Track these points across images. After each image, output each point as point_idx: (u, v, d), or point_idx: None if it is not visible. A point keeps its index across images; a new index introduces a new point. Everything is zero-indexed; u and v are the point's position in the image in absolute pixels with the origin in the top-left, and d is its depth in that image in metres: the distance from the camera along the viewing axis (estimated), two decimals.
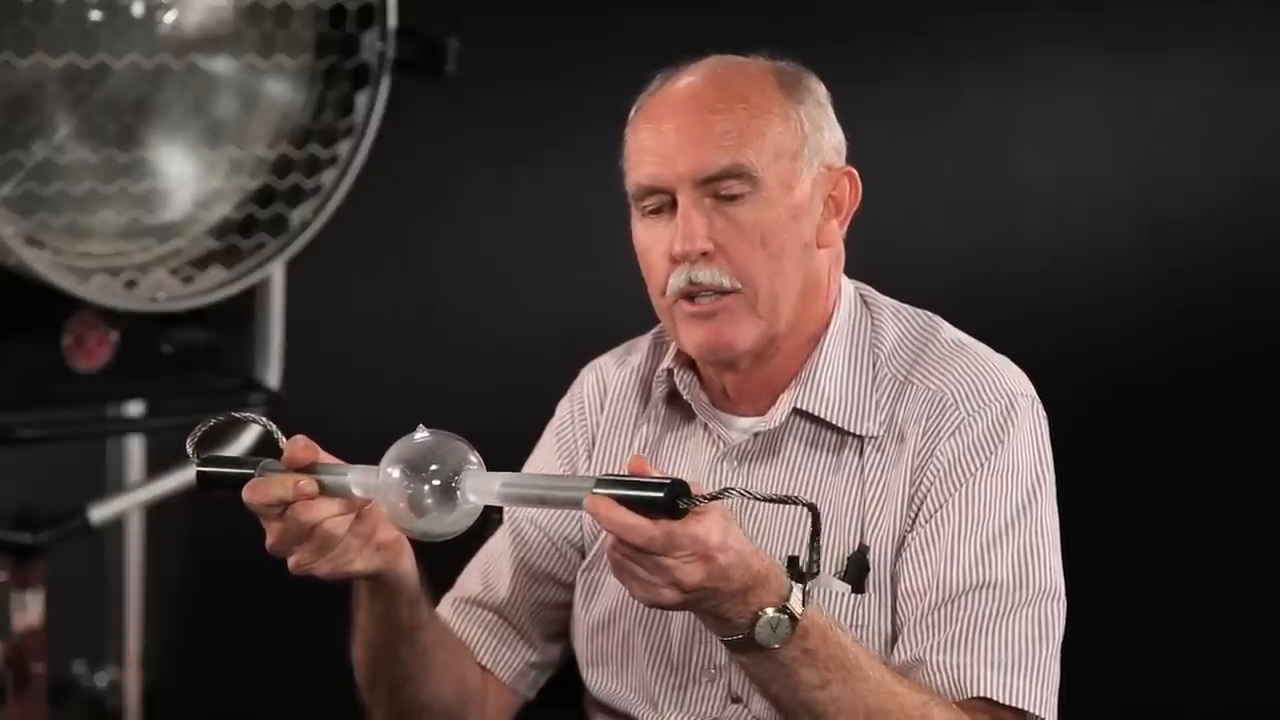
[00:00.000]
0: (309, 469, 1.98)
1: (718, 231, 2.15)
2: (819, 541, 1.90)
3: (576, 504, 1.89)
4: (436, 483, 1.91)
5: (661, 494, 1.84)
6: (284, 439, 2.00)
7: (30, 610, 3.11)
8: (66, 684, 3.54)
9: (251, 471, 1.99)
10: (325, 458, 2.00)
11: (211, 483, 2.03)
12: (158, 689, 3.66)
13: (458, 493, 1.91)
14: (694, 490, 1.86)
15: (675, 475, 2.24)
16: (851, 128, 2.24)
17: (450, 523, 1.92)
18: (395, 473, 1.92)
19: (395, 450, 1.93)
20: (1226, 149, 4.18)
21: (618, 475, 1.90)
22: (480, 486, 1.92)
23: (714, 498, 1.87)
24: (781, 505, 2.19)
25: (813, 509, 1.88)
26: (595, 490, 1.86)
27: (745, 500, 1.94)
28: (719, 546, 1.88)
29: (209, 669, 3.85)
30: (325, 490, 1.97)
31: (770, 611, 1.94)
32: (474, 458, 1.93)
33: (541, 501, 1.98)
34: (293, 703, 3.66)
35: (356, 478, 1.96)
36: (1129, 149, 4.17)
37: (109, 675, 3.59)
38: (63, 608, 3.18)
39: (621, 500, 1.85)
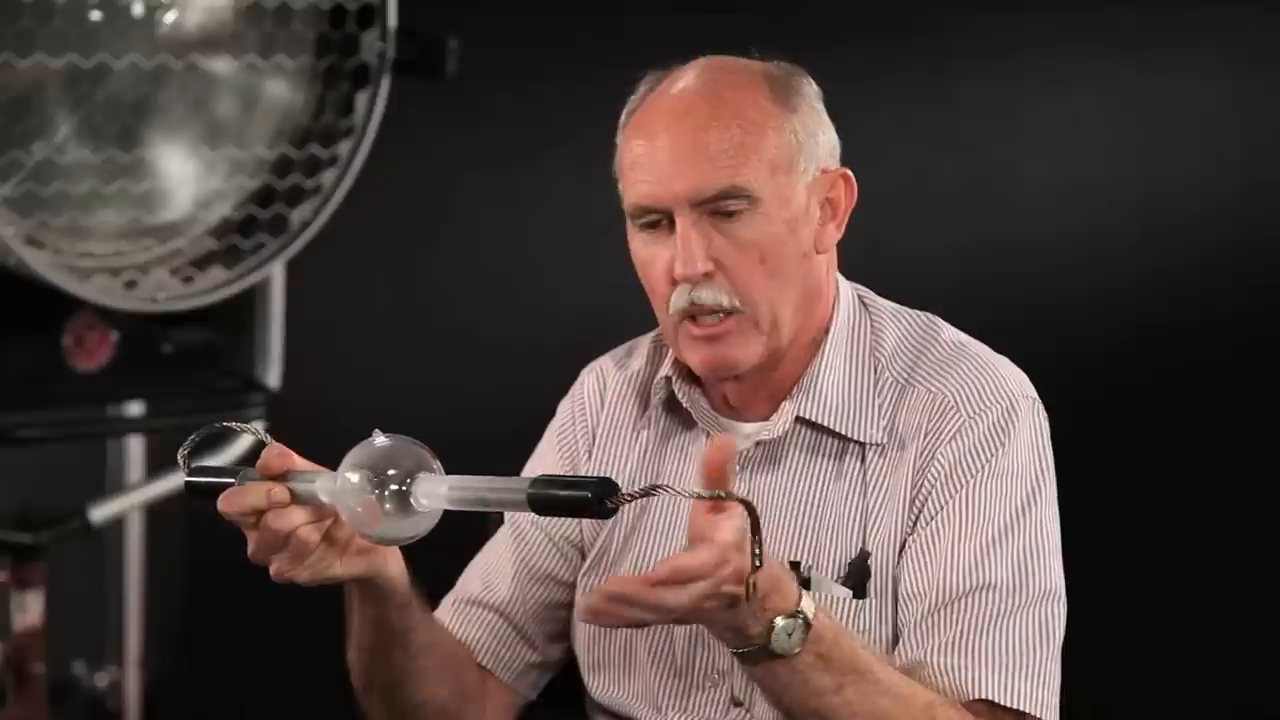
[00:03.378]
0: (283, 477, 1.98)
1: (717, 250, 2.14)
2: (760, 536, 1.87)
3: (514, 505, 1.89)
4: (393, 488, 1.91)
5: (588, 494, 1.84)
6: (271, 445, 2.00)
7: (30, 610, 3.11)
8: (66, 684, 3.54)
9: (234, 481, 1.99)
10: (301, 464, 1.99)
11: (198, 492, 2.03)
12: (158, 689, 3.66)
13: (411, 498, 1.91)
14: (624, 489, 1.85)
15: (679, 483, 2.26)
16: (851, 127, 2.24)
17: (408, 527, 1.92)
18: (353, 478, 1.92)
19: (352, 456, 1.93)
20: (1226, 149, 4.17)
21: (550, 475, 1.89)
22: (430, 490, 1.91)
23: (642, 495, 1.86)
24: (784, 509, 2.19)
25: (747, 505, 1.86)
26: (529, 491, 1.86)
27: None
28: (737, 546, 1.88)
29: (209, 669, 3.85)
30: (296, 498, 1.97)
31: (783, 619, 1.93)
32: (434, 463, 1.93)
33: (484, 504, 1.97)
34: (292, 703, 3.66)
35: (323, 484, 1.96)
36: (1130, 149, 4.17)
37: (109, 675, 3.59)
38: (63, 608, 3.18)
39: (551, 501, 1.85)
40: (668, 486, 1.88)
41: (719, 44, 2.25)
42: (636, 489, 1.87)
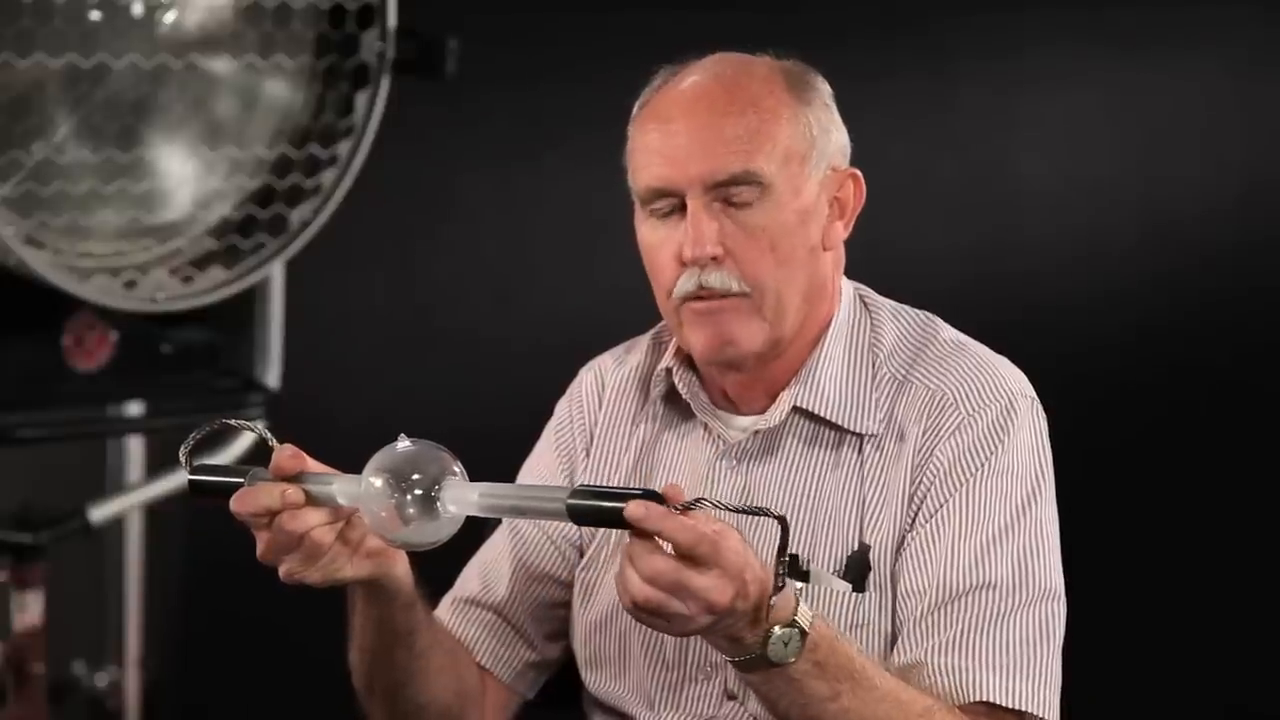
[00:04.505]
0: (296, 478, 1.98)
1: (727, 235, 2.15)
2: (786, 556, 1.89)
3: (551, 514, 1.88)
4: (418, 493, 1.90)
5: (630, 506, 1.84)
6: (277, 445, 2.00)
7: (30, 610, 3.11)
8: (66, 684, 3.54)
9: (241, 481, 1.99)
10: (313, 466, 1.99)
11: (202, 491, 2.02)
12: (158, 689, 3.66)
13: (438, 503, 1.91)
14: (624, 482, 1.85)
15: (674, 475, 2.26)
16: (851, 127, 2.24)
17: (432, 532, 1.92)
18: (377, 483, 1.91)
19: (377, 460, 1.93)
20: (1226, 149, 4.18)
21: (590, 487, 1.89)
22: (459, 497, 1.91)
23: (686, 509, 1.86)
24: (780, 499, 2.19)
25: (782, 521, 1.87)
26: (569, 501, 1.86)
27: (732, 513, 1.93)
28: (747, 564, 1.88)
29: (209, 669, 3.85)
30: (311, 499, 1.97)
31: (779, 628, 1.93)
32: (456, 467, 1.92)
33: (518, 511, 1.97)
34: (292, 703, 3.66)
35: (341, 487, 1.95)
36: (1129, 149, 4.17)
37: (109, 675, 3.59)
38: (63, 608, 3.18)
39: (593, 512, 1.84)
40: (712, 500, 1.87)
41: (719, 43, 2.25)
42: (681, 503, 1.86)
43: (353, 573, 2.03)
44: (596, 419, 2.36)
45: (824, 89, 2.22)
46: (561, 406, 2.41)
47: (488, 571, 2.37)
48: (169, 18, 2.83)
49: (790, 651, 1.94)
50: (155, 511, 3.53)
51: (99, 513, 3.17)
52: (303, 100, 2.95)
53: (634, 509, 1.84)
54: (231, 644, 3.84)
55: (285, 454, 1.98)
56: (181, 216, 2.93)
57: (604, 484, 2.23)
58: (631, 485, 1.89)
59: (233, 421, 2.12)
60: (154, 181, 2.88)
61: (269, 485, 1.97)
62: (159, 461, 3.42)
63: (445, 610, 2.36)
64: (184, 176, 2.91)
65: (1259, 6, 4.15)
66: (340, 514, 1.98)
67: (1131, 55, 4.15)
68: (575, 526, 2.33)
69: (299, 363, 3.18)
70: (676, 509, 1.85)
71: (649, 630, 2.25)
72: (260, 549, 1.99)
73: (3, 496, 3.20)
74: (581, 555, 2.34)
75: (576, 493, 1.87)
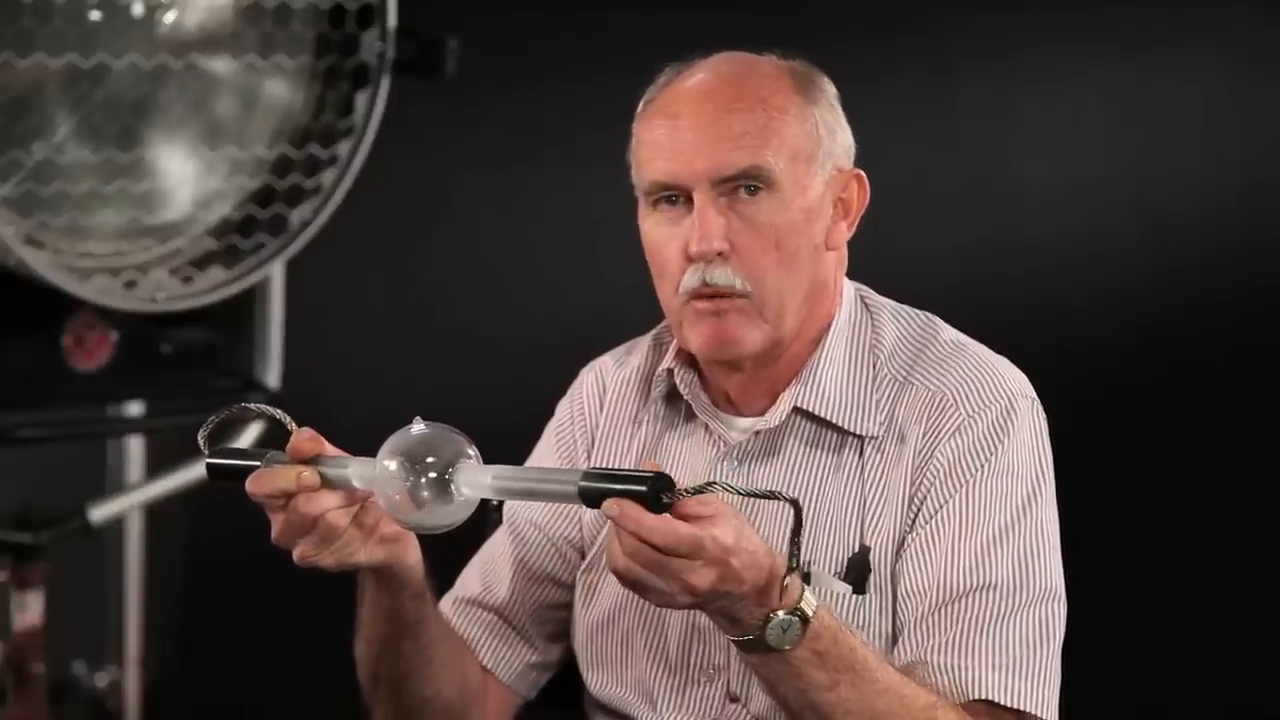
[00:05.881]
0: (313, 461, 1.98)
1: (733, 231, 2.14)
2: (800, 538, 1.89)
3: (564, 497, 1.89)
4: (432, 475, 1.91)
5: (644, 488, 1.84)
6: (296, 428, 2.00)
7: (30, 610, 3.11)
8: (66, 684, 3.54)
9: (258, 464, 1.99)
10: (330, 450, 1.99)
11: (220, 474, 2.03)
12: (158, 689, 3.66)
13: (452, 486, 1.91)
14: (678, 485, 1.85)
15: (673, 474, 2.26)
16: (852, 127, 2.24)
17: (446, 515, 1.92)
18: (391, 465, 1.92)
19: (392, 442, 1.93)
20: (1226, 149, 4.18)
21: (603, 469, 1.89)
22: (473, 479, 1.91)
23: (697, 492, 1.86)
24: (785, 505, 2.19)
25: (795, 505, 1.87)
26: (581, 484, 1.86)
27: (744, 498, 1.93)
28: (733, 549, 1.88)
29: (209, 669, 3.85)
30: (327, 482, 1.97)
31: (782, 614, 1.94)
32: (471, 451, 1.93)
33: (530, 494, 1.97)
34: (293, 703, 3.66)
35: (357, 470, 1.96)
36: (1129, 149, 4.17)
37: (109, 675, 3.59)
38: (63, 608, 3.19)
39: (606, 494, 1.85)
40: (723, 483, 1.87)
41: (719, 44, 2.25)
42: (693, 485, 1.86)
43: (366, 558, 2.03)
44: (598, 420, 2.36)
45: (830, 89, 2.22)
46: (562, 407, 2.41)
47: (488, 572, 2.37)
48: (169, 18, 2.83)
49: (789, 639, 1.94)
50: (155, 511, 3.54)
51: (99, 513, 3.18)
52: (303, 100, 2.95)
53: (609, 507, 1.84)
54: (231, 644, 3.84)
55: (303, 436, 1.98)
56: (181, 216, 2.93)
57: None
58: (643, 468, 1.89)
59: (253, 406, 2.12)
60: (154, 181, 2.88)
61: (285, 467, 1.97)
62: (159, 461, 3.42)
63: (446, 610, 2.36)
64: (184, 176, 2.91)
65: (1259, 7, 4.16)
66: (355, 497, 1.99)
67: (1131, 55, 4.15)
68: (576, 527, 2.33)
69: (299, 363, 3.19)
70: (687, 493, 1.85)
71: (652, 631, 2.25)
72: (275, 531, 1.99)
73: (3, 496, 3.20)
74: (583, 557, 2.34)
75: (589, 475, 1.87)
